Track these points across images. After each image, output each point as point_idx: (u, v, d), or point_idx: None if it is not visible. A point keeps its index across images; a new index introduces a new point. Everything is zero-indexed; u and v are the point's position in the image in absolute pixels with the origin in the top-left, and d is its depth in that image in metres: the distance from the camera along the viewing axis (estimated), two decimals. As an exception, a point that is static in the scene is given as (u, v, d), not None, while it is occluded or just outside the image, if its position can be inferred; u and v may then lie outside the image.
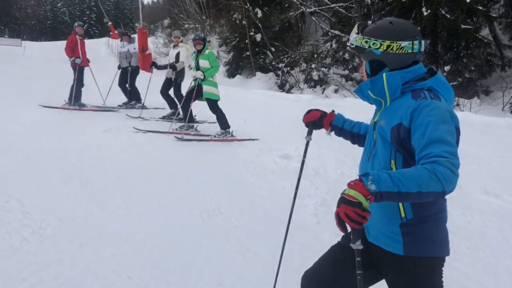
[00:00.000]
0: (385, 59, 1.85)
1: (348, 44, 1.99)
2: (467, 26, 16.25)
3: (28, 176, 5.13)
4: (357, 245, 1.59)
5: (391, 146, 1.79)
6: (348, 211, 1.45)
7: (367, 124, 2.31)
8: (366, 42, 1.85)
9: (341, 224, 1.50)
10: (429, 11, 16.09)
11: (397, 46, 1.80)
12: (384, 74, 1.83)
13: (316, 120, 2.45)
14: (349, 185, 1.51)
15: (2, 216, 4.02)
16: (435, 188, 1.48)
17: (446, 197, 1.71)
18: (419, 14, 16.68)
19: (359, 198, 1.45)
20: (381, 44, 1.82)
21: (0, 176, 5.01)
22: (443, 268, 1.85)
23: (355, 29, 1.92)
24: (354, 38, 1.90)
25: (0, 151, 5.83)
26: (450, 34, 16.95)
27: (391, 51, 1.82)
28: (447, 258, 1.87)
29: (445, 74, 15.61)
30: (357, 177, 1.52)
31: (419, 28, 14.66)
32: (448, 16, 16.07)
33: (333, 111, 2.51)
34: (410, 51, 1.81)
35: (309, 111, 2.51)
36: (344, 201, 1.47)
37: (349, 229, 1.53)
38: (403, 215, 1.77)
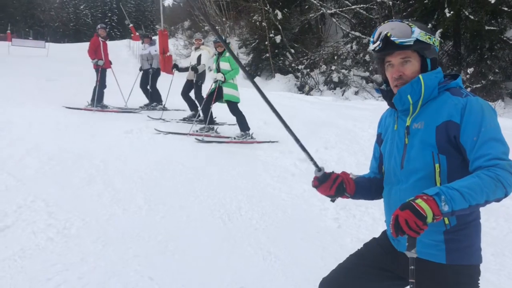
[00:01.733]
0: (437, 55, 1.81)
1: (411, 37, 1.71)
2: (492, 28, 15.96)
3: (52, 177, 5.23)
4: (412, 253, 1.57)
5: (433, 148, 1.69)
6: (410, 219, 1.46)
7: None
8: (429, 38, 1.73)
9: (396, 227, 1.51)
10: (452, 12, 15.85)
11: (438, 43, 1.79)
12: (420, 76, 1.72)
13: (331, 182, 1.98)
14: (420, 197, 1.50)
15: (28, 215, 4.12)
16: (500, 194, 1.51)
17: None
18: (442, 16, 16.44)
19: (428, 214, 1.46)
20: (435, 40, 1.77)
21: (26, 177, 5.12)
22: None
23: (409, 23, 1.73)
24: (419, 33, 1.70)
25: (25, 152, 5.95)
26: (473, 36, 16.67)
27: (437, 47, 1.81)
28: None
29: (468, 76, 15.36)
30: (423, 193, 1.51)
31: (441, 29, 14.42)
32: (472, 17, 15.80)
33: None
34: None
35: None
36: (411, 209, 1.47)
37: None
38: (447, 222, 1.69)
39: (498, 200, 1.54)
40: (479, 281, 1.76)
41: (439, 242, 1.72)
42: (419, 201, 1.48)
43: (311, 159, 1.96)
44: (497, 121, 1.64)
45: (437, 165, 1.69)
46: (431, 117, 1.72)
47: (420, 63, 1.77)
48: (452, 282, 1.72)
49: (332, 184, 1.93)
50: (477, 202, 1.49)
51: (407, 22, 1.75)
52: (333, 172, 1.98)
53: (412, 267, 1.57)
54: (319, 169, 1.96)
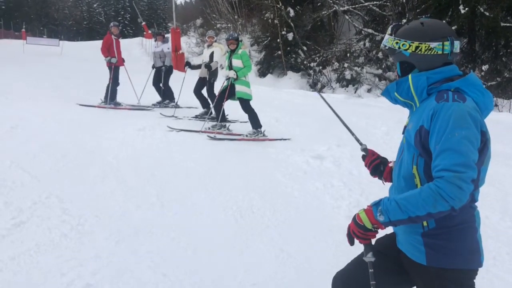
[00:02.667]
0: (414, 61, 1.80)
1: (381, 45, 1.96)
2: (507, 24, 15.72)
3: (67, 173, 5.28)
4: (369, 258, 1.82)
5: (415, 150, 1.75)
6: (355, 229, 1.78)
7: None
8: (397, 43, 1.82)
9: (349, 237, 1.83)
10: (466, 9, 15.65)
11: (426, 47, 1.75)
12: (409, 76, 1.80)
13: (378, 163, 2.18)
14: (366, 208, 1.75)
15: (43, 211, 4.16)
16: (443, 207, 1.54)
17: (483, 201, 1.68)
18: (456, 12, 16.25)
19: (365, 223, 1.72)
20: (409, 45, 1.78)
21: (40, 173, 5.17)
22: (474, 281, 1.78)
23: (388, 30, 1.90)
24: (387, 39, 1.88)
25: (40, 149, 6.02)
26: (488, 33, 16.45)
27: (419, 52, 1.77)
28: (486, 264, 1.81)
29: (483, 73, 15.16)
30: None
31: (455, 26, 14.26)
32: (487, 13, 15.58)
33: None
34: (440, 52, 1.75)
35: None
36: (353, 219, 1.79)
37: (356, 242, 1.83)
38: (425, 224, 1.73)
39: (445, 213, 1.56)
40: (471, 286, 1.77)
41: (418, 243, 1.77)
42: (361, 211, 1.76)
43: (355, 137, 2.27)
44: (468, 130, 1.59)
45: (414, 167, 1.76)
46: (416, 120, 1.77)
47: (401, 66, 1.88)
48: (435, 284, 1.76)
49: (371, 162, 2.18)
50: (416, 214, 1.59)
51: (393, 25, 1.90)
52: (376, 154, 2.21)
53: (371, 270, 1.82)
54: (362, 145, 2.23)
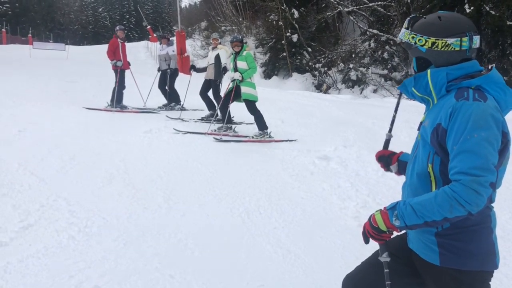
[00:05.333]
0: (430, 57, 1.73)
1: (397, 38, 1.96)
2: (513, 23, 15.62)
3: (74, 176, 5.30)
4: (384, 258, 1.81)
5: (430, 148, 1.69)
6: (369, 230, 1.76)
7: None
8: (413, 38, 1.74)
9: (364, 236, 1.81)
10: (472, 8, 15.57)
11: (442, 43, 1.68)
12: (428, 71, 1.73)
13: (386, 156, 2.22)
14: (382, 209, 1.73)
15: (51, 214, 4.18)
16: (459, 212, 1.50)
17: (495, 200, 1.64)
18: (462, 11, 16.15)
19: (380, 225, 1.71)
20: (426, 41, 1.71)
21: (48, 176, 5.20)
22: (490, 283, 1.72)
23: (405, 23, 1.82)
24: (403, 32, 1.80)
25: (47, 151, 6.05)
26: (494, 31, 16.34)
27: (436, 49, 1.70)
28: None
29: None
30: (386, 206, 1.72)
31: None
32: (493, 12, 15.48)
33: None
34: (457, 48, 1.67)
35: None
36: (369, 219, 1.77)
37: (371, 242, 1.81)
38: None
39: (463, 217, 1.53)
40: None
41: (431, 243, 1.73)
42: (377, 212, 1.74)
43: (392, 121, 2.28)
44: (489, 131, 1.53)
45: (429, 165, 1.70)
46: (434, 117, 1.71)
47: (417, 61, 1.81)
48: (447, 285, 1.71)
49: (382, 155, 2.21)
50: (433, 219, 1.55)
51: (411, 18, 1.83)
52: (391, 151, 2.21)
53: (386, 270, 1.81)
54: (388, 134, 2.27)
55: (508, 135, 1.60)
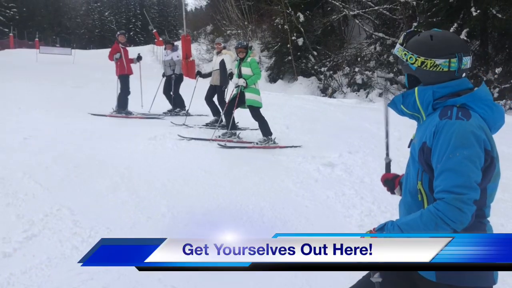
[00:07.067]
0: (419, 75, 1.77)
1: (393, 52, 1.94)
2: (520, 26, 15.51)
3: (78, 185, 5.31)
4: (376, 278, 1.78)
5: (419, 166, 1.72)
6: None
7: None
8: (405, 54, 1.78)
9: None
10: (478, 11, 15.48)
11: (431, 63, 1.71)
12: (416, 89, 1.76)
13: (390, 179, 2.24)
14: (371, 230, 1.72)
15: (55, 224, 4.19)
16: (445, 230, 1.52)
17: (498, 208, 1.64)
18: (468, 15, 16.08)
19: None
20: (416, 60, 1.74)
21: (52, 185, 5.21)
22: None
23: (400, 39, 1.85)
24: (397, 48, 1.83)
25: (52, 160, 6.06)
26: (501, 34, 16.25)
27: (425, 68, 1.73)
28: (501, 274, 1.74)
29: (496, 76, 14.98)
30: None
31: (467, 29, 14.03)
32: (499, 15, 15.39)
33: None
34: (446, 69, 1.70)
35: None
36: None
37: None
38: None
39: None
40: None
41: None
42: (367, 233, 1.67)
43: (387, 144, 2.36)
44: (470, 149, 1.55)
45: (419, 183, 1.73)
46: (420, 135, 1.74)
47: (409, 77, 1.84)
48: None
49: (386, 178, 2.23)
50: None
51: (407, 33, 1.84)
52: (394, 174, 2.24)
53: None
54: (387, 158, 2.35)
55: (491, 152, 1.62)
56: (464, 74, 1.74)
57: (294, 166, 6.48)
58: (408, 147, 1.88)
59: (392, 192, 2.21)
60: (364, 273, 2.04)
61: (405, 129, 8.29)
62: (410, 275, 1.85)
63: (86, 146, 6.92)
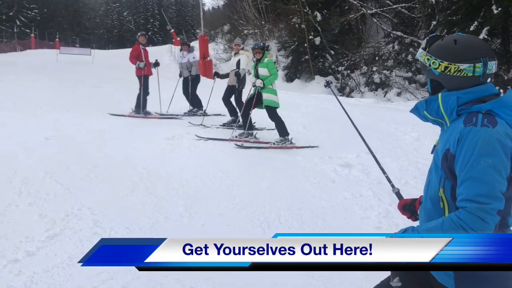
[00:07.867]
0: (443, 80, 1.72)
1: (416, 56, 1.88)
2: (542, 24, 15.21)
3: (98, 185, 5.40)
4: (395, 283, 1.78)
5: (442, 172, 1.70)
6: None
7: None
8: (428, 59, 1.74)
9: None
10: (500, 9, 15.20)
11: (455, 68, 1.66)
12: (439, 94, 1.72)
13: (409, 204, 2.19)
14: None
15: (75, 223, 4.28)
16: None
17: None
18: (489, 13, 15.80)
19: None
20: (439, 65, 1.70)
21: (73, 184, 5.31)
22: None
23: (423, 43, 1.82)
24: (420, 53, 1.80)
25: (72, 159, 6.18)
26: (523, 33, 15.95)
27: (448, 73, 1.68)
28: None
29: (517, 75, 14.71)
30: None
31: (488, 27, 13.79)
32: (521, 13, 15.11)
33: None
34: (470, 74, 1.65)
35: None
36: None
37: None
38: None
39: None
40: None
41: None
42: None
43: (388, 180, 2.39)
44: (495, 157, 1.51)
45: (441, 189, 1.70)
46: (444, 141, 1.70)
47: (432, 82, 1.81)
48: None
49: (403, 205, 2.18)
50: None
51: (429, 38, 1.81)
52: (412, 199, 2.19)
53: None
54: (394, 188, 2.42)
55: None
56: (489, 80, 1.69)
57: (311, 166, 6.47)
58: (431, 153, 1.86)
59: (415, 218, 2.11)
60: (383, 276, 2.05)
61: (423, 129, 8.24)
62: (429, 282, 1.84)
63: (105, 146, 7.03)
